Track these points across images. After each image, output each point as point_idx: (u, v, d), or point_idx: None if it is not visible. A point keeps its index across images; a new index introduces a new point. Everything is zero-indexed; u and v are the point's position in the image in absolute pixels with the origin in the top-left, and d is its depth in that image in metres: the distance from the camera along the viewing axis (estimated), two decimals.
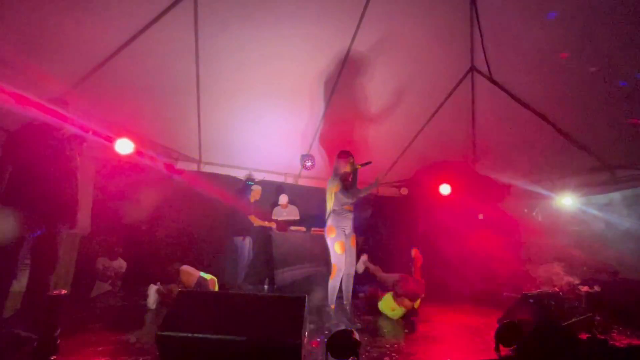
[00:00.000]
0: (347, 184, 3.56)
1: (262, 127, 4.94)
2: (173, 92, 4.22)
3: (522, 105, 4.35)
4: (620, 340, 3.07)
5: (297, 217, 5.73)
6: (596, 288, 3.72)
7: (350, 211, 3.56)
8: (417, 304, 3.96)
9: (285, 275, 4.77)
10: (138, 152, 4.47)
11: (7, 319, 2.30)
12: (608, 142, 4.36)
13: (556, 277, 4.74)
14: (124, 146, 4.33)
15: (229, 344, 1.87)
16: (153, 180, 5.03)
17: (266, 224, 4.88)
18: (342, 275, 3.48)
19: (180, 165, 5.36)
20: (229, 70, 4.09)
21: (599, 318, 3.58)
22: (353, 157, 3.64)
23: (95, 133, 3.91)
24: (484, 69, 4.29)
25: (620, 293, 3.98)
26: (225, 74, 4.12)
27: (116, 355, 2.14)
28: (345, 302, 3.48)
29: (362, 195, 3.64)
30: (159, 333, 1.89)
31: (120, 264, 4.74)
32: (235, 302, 2.08)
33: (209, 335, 1.88)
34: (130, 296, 4.29)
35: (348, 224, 3.51)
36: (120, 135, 4.31)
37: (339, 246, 3.39)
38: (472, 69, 4.42)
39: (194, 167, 5.46)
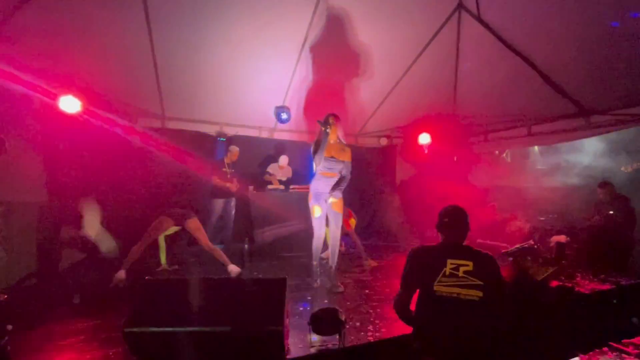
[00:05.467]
0: (318, 148, 3.31)
1: (231, 77, 4.45)
2: (120, 33, 3.61)
3: (508, 47, 4.07)
4: (584, 285, 3.27)
5: (290, 176, 5.54)
6: (563, 238, 3.87)
7: (328, 177, 3.39)
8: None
9: (265, 234, 4.69)
10: (87, 112, 3.95)
11: None
12: (586, 87, 4.23)
13: (523, 230, 4.95)
14: (70, 104, 3.81)
15: (204, 335, 1.75)
16: (113, 139, 4.52)
17: (227, 185, 4.64)
18: (326, 238, 3.51)
19: (141, 122, 4.85)
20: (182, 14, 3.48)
21: (564, 262, 3.79)
22: (332, 120, 3.32)
23: (29, 86, 3.38)
24: (473, 7, 3.89)
25: (585, 238, 4.19)
26: (178, 19, 3.53)
27: (83, 350, 1.98)
28: (330, 264, 3.46)
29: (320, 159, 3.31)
30: (126, 330, 1.73)
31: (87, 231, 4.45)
32: (209, 289, 1.91)
33: (180, 329, 1.74)
34: (102, 264, 4.07)
35: (326, 190, 3.38)
36: (66, 91, 3.76)
37: (313, 210, 3.40)
38: (460, 5, 4.00)
39: (157, 124, 4.96)
